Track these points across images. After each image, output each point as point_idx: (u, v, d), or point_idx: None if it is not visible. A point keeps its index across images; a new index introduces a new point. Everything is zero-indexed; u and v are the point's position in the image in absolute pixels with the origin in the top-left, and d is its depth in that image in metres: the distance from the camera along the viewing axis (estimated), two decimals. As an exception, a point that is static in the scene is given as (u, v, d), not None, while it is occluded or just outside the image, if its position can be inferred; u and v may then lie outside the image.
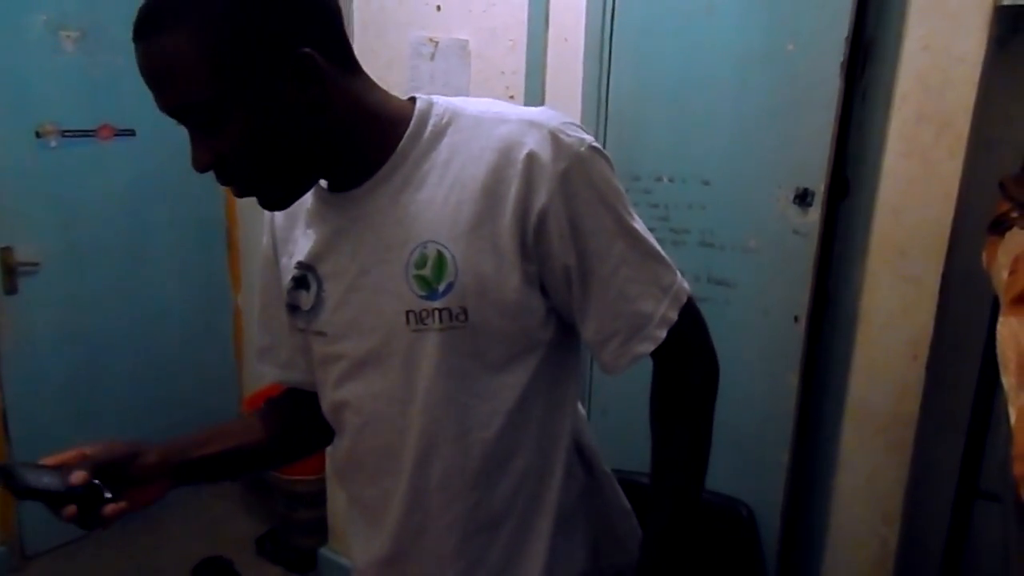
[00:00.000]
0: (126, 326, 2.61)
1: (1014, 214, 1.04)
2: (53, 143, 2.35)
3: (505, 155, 0.73)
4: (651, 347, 0.79)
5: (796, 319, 1.47)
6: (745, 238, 1.50)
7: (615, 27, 1.58)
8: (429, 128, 0.77)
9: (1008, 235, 1.03)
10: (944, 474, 1.50)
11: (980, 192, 1.34)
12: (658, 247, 0.81)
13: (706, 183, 1.52)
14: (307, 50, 0.69)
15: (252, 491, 2.91)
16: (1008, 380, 0.74)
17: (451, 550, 0.84)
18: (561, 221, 0.74)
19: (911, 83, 1.34)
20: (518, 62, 1.69)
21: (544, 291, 0.78)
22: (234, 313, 2.96)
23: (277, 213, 0.90)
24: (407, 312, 0.76)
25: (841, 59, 1.34)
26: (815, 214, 1.42)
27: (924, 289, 1.39)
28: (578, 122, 0.78)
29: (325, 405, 0.90)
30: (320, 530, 2.48)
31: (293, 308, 0.86)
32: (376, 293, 0.78)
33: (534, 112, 0.77)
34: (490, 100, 0.81)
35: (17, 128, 2.28)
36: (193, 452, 0.91)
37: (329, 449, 0.96)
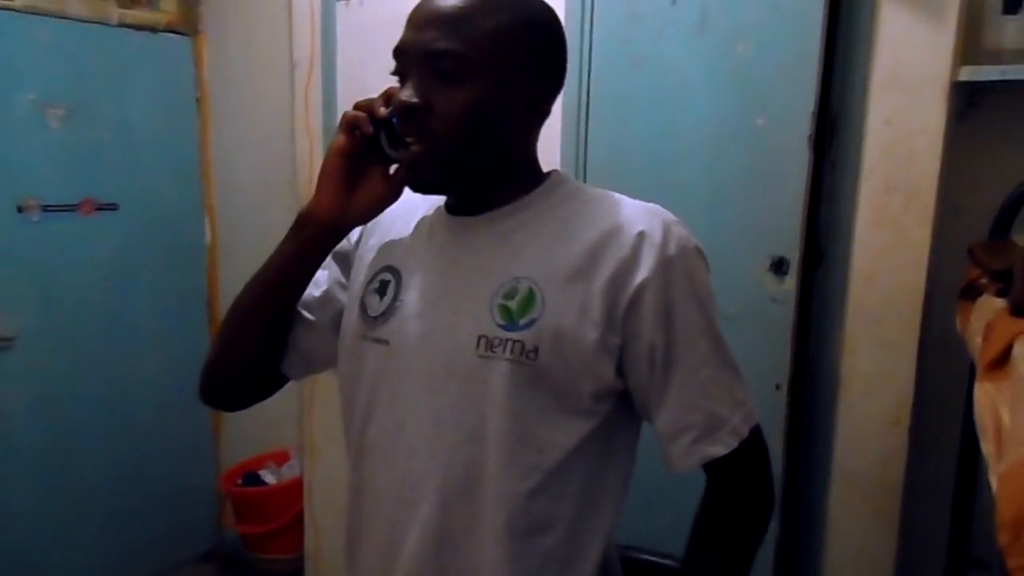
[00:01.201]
0: (102, 401, 2.56)
1: (984, 280, 1.06)
2: (35, 217, 2.35)
3: (618, 228, 0.78)
4: (723, 450, 0.79)
5: (778, 387, 1.47)
6: (724, 306, 1.50)
7: (591, 102, 1.63)
8: (559, 192, 0.84)
9: (979, 301, 1.04)
10: (935, 542, 1.48)
11: (950, 258, 1.37)
12: (737, 363, 0.83)
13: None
14: (550, 88, 0.82)
15: (226, 572, 2.80)
16: (987, 447, 0.74)
17: None
18: (658, 300, 0.76)
19: (877, 155, 1.39)
20: (498, 136, 1.72)
21: (622, 373, 0.80)
22: (213, 386, 2.91)
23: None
24: (479, 336, 0.77)
25: (808, 132, 1.39)
26: (791, 282, 1.44)
27: (902, 354, 1.40)
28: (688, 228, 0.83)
29: (359, 420, 0.86)
30: (298, 612, 2.39)
31: (362, 310, 0.86)
32: (454, 313, 0.80)
33: (652, 205, 0.82)
34: (611, 191, 0.86)
35: (-2, 203, 2.28)
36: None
37: (350, 471, 0.90)
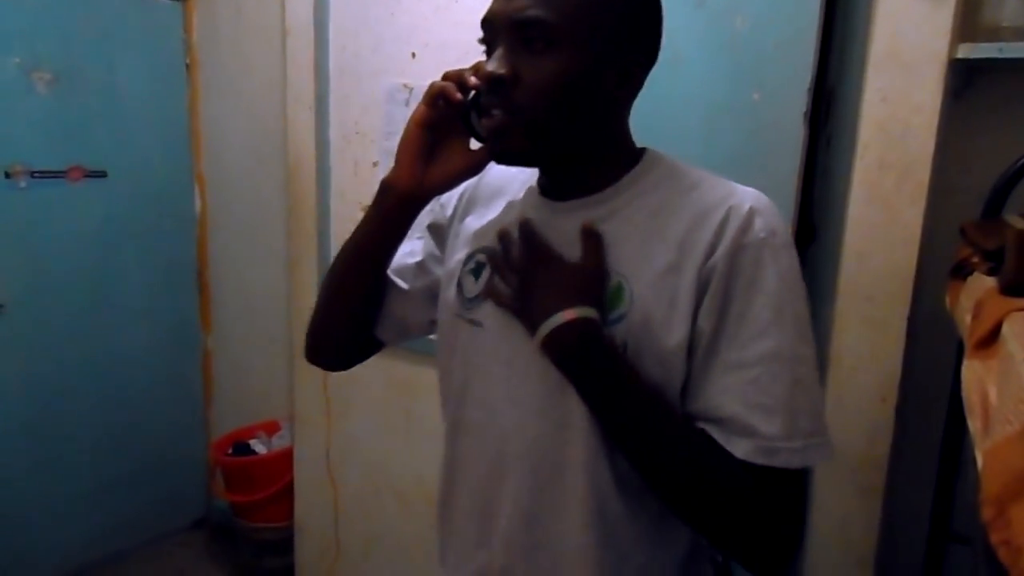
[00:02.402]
0: (91, 369, 2.56)
1: (975, 259, 1.06)
2: (22, 184, 2.32)
3: (706, 215, 0.75)
4: (739, 454, 0.70)
5: (767, 362, 1.48)
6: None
7: (586, 75, 1.61)
8: (650, 177, 0.81)
9: (970, 280, 1.04)
10: (918, 517, 1.50)
11: (942, 238, 1.38)
12: (818, 393, 0.74)
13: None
14: (643, 60, 0.79)
15: (217, 540, 2.83)
16: (974, 424, 0.75)
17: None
18: (718, 286, 0.72)
19: (872, 132, 1.38)
20: (491, 108, 1.71)
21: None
22: (203, 356, 2.91)
23: (464, 191, 0.94)
24: None
25: (804, 108, 1.38)
26: (783, 259, 1.44)
27: (891, 333, 1.41)
28: (785, 220, 0.77)
29: (455, 396, 0.88)
30: (288, 580, 2.42)
31: (458, 289, 0.87)
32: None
33: (748, 189, 0.78)
34: (710, 173, 0.82)
35: (-15, 169, 2.26)
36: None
37: (444, 449, 0.92)
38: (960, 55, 1.32)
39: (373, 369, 2.12)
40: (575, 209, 0.81)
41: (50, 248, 2.42)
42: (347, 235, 0.99)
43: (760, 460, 0.70)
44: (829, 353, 1.48)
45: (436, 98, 0.78)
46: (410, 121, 0.81)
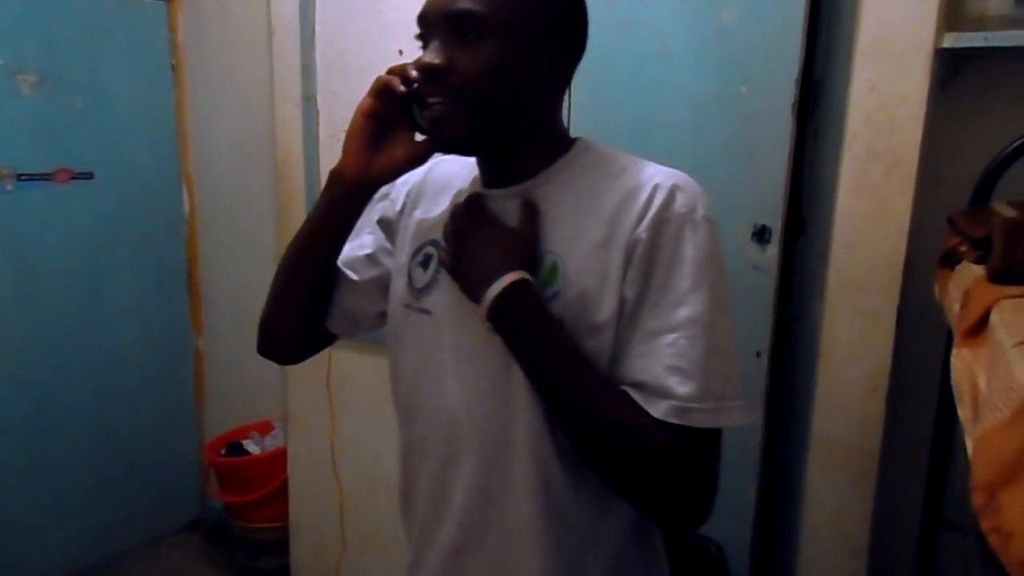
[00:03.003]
0: (82, 373, 2.54)
1: (963, 248, 1.07)
2: (8, 187, 2.31)
3: (632, 194, 0.79)
4: (656, 414, 0.73)
5: (759, 354, 1.48)
6: (706, 275, 1.52)
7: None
8: (581, 163, 0.86)
9: (958, 268, 1.05)
10: (909, 505, 1.51)
11: (931, 227, 1.38)
12: (733, 358, 0.78)
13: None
14: (569, 50, 0.84)
15: (212, 541, 2.82)
16: (964, 412, 0.75)
17: (522, 549, 0.83)
18: (641, 258, 0.77)
19: (860, 122, 1.39)
20: (480, 104, 1.70)
21: None
22: (195, 357, 2.90)
23: (411, 187, 0.98)
24: None
25: (792, 100, 1.38)
26: (773, 251, 1.44)
27: (881, 322, 1.42)
28: (708, 199, 0.81)
29: (404, 384, 0.92)
30: (283, 580, 2.41)
31: (408, 280, 0.91)
32: None
33: (674, 170, 0.82)
34: (639, 158, 0.86)
35: (-30, 172, 2.24)
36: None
37: (399, 435, 0.96)
38: (946, 44, 1.32)
39: (366, 367, 2.12)
40: (513, 195, 0.85)
41: (39, 251, 2.40)
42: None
43: (674, 419, 0.73)
44: (819, 344, 1.49)
45: (381, 91, 0.82)
46: (357, 112, 0.85)
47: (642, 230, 0.77)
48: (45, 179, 2.39)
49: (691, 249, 0.76)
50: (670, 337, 0.75)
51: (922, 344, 1.46)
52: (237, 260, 2.71)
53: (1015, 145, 1.20)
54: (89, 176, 2.49)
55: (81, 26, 2.42)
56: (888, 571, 1.60)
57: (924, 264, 1.35)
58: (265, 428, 2.67)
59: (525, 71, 0.80)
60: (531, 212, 0.82)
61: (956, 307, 0.93)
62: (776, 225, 1.43)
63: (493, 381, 0.82)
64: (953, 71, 1.45)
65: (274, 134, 2.21)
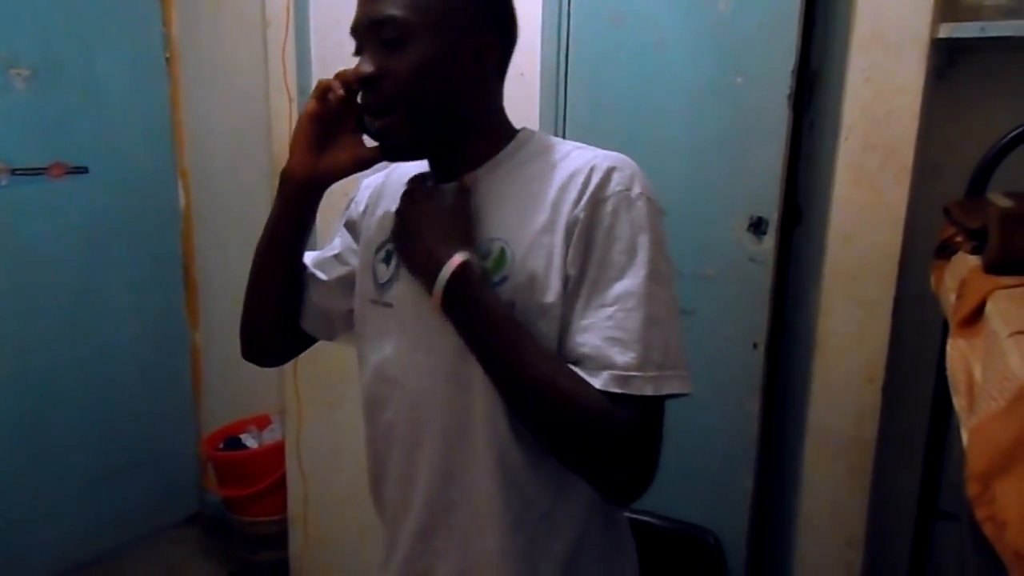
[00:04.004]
0: (79, 368, 2.54)
1: (959, 238, 1.07)
2: (3, 181, 2.29)
3: (573, 176, 0.83)
4: (598, 384, 0.75)
5: (755, 345, 1.49)
6: (702, 266, 1.52)
7: (569, 62, 1.60)
8: (525, 151, 0.89)
9: (954, 259, 1.05)
10: (905, 495, 1.51)
11: (927, 218, 1.38)
12: (673, 327, 0.79)
13: (662, 212, 1.54)
14: (494, 40, 0.85)
15: (210, 535, 2.82)
16: (959, 402, 0.75)
17: (484, 526, 0.86)
18: (581, 236, 0.80)
19: (856, 113, 1.39)
20: (476, 96, 1.70)
21: None
22: (192, 351, 2.90)
23: (372, 189, 1.02)
24: None
25: (788, 91, 1.38)
26: (769, 242, 1.44)
27: (877, 313, 1.42)
28: (647, 179, 0.84)
29: (369, 376, 0.95)
30: (281, 573, 2.42)
31: (372, 276, 0.94)
32: None
33: (615, 153, 0.85)
34: (583, 144, 0.90)
35: (-36, 167, 2.22)
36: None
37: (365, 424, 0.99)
38: (942, 35, 1.32)
39: (363, 360, 2.12)
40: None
41: (34, 246, 2.39)
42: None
43: (614, 388, 0.75)
44: (816, 334, 1.49)
45: (322, 93, 0.86)
46: (301, 115, 0.89)
47: (580, 210, 0.80)
48: (39, 174, 2.38)
49: (627, 226, 0.80)
50: (609, 310, 0.78)
51: (918, 334, 1.46)
52: (233, 253, 2.71)
53: (1011, 135, 1.20)
54: (84, 170, 2.47)
55: (75, 20, 2.40)
56: (884, 561, 1.61)
57: (920, 255, 1.35)
58: (263, 422, 2.67)
59: (455, 66, 0.83)
60: (462, 192, 0.85)
61: (952, 297, 0.93)
62: (772, 216, 1.43)
63: (451, 366, 0.85)
64: (949, 61, 1.44)
65: (269, 126, 2.20)
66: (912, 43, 1.32)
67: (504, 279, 0.82)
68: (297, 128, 0.89)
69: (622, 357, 0.76)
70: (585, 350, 0.78)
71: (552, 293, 0.81)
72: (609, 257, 0.79)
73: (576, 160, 0.84)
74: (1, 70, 2.26)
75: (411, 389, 0.89)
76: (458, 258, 0.80)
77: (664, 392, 0.77)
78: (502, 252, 0.83)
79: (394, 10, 0.81)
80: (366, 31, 0.83)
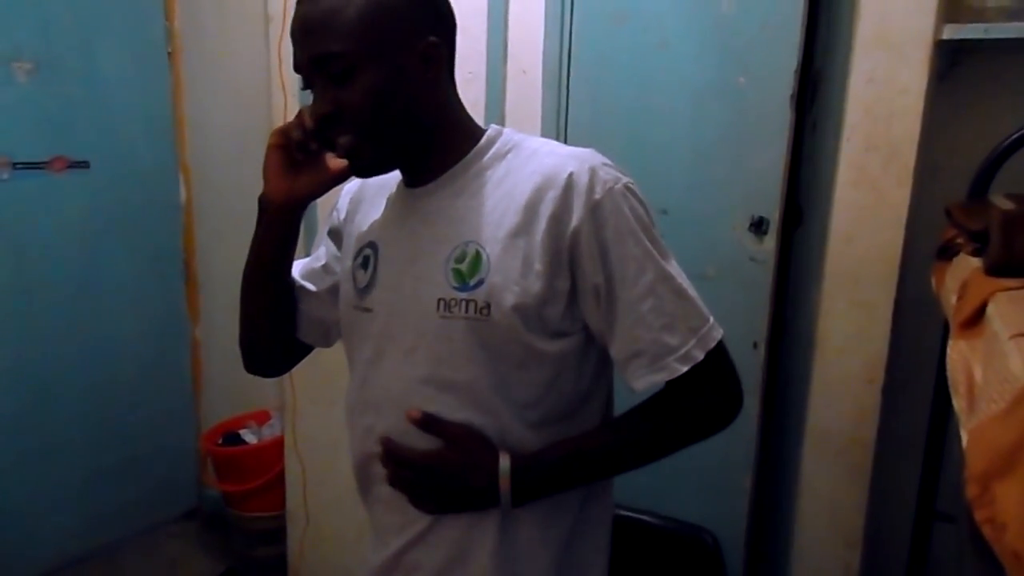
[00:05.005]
0: (79, 362, 2.53)
1: (960, 240, 1.07)
2: (4, 175, 2.29)
3: (549, 179, 0.84)
4: (666, 377, 0.83)
5: (755, 345, 1.49)
6: (703, 266, 1.52)
7: (572, 60, 1.60)
8: (493, 150, 0.90)
9: (955, 261, 1.05)
10: (903, 497, 1.52)
11: (928, 219, 1.38)
12: (692, 292, 0.86)
13: (664, 212, 1.54)
14: (435, 39, 0.84)
15: (209, 530, 2.82)
16: (959, 403, 0.75)
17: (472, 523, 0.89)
18: (591, 244, 0.82)
19: (859, 114, 1.39)
20: (478, 94, 1.70)
21: (575, 313, 0.86)
22: (192, 346, 2.89)
23: (352, 195, 1.04)
24: (439, 300, 0.85)
25: (791, 92, 1.38)
26: (770, 242, 1.44)
27: (878, 314, 1.42)
28: (618, 167, 0.86)
29: (357, 377, 0.96)
30: (280, 568, 2.42)
31: (353, 282, 0.95)
32: (418, 280, 0.88)
33: (581, 150, 0.87)
34: (549, 140, 0.93)
35: (-34, 160, 2.22)
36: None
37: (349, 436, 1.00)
38: (945, 36, 1.32)
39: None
40: (431, 191, 0.90)
41: (34, 240, 2.39)
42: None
43: (686, 367, 0.83)
44: (816, 335, 1.49)
45: (283, 135, 0.88)
46: (268, 147, 0.90)
47: (579, 220, 0.81)
48: (40, 168, 2.37)
49: (628, 219, 0.83)
50: (648, 303, 0.83)
51: (918, 336, 1.46)
52: (234, 248, 2.67)
53: (1013, 138, 1.20)
54: (85, 165, 2.47)
55: (77, 13, 2.39)
56: (882, 561, 1.61)
57: (921, 256, 1.35)
58: (262, 417, 2.67)
59: (406, 81, 0.84)
60: (434, 422, 0.86)
61: (953, 299, 0.93)
62: (774, 216, 1.43)
63: (432, 369, 0.87)
64: (952, 63, 1.44)
65: (271, 122, 2.20)
66: (915, 44, 1.32)
67: (481, 281, 0.84)
68: (266, 157, 0.91)
69: (674, 338, 0.83)
70: (642, 344, 0.83)
71: (530, 295, 0.82)
72: (627, 252, 0.82)
73: (547, 160, 0.86)
74: (3, 63, 2.26)
75: (393, 392, 0.90)
76: (503, 482, 0.84)
77: (711, 346, 0.85)
78: (477, 255, 0.84)
79: (333, 45, 0.80)
80: (310, 69, 0.84)
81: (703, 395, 0.87)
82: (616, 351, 0.86)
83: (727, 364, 0.88)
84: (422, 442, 0.88)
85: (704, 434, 0.90)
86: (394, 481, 0.90)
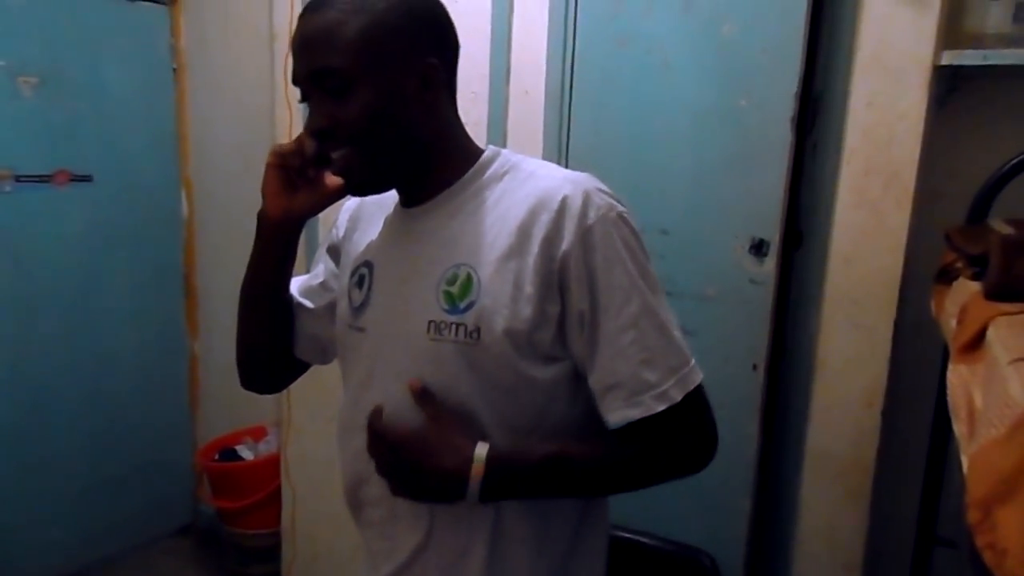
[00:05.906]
0: (77, 376, 2.53)
1: (960, 264, 1.07)
2: (7, 188, 2.30)
3: (543, 201, 0.83)
4: (641, 413, 0.81)
5: (755, 367, 1.48)
6: (703, 287, 1.53)
7: (575, 81, 1.61)
8: (489, 171, 0.89)
9: (955, 285, 1.05)
10: (903, 521, 1.51)
11: (928, 243, 1.39)
12: (676, 331, 0.84)
13: (664, 232, 1.55)
14: (435, 61, 0.85)
15: (203, 546, 2.80)
16: (960, 428, 0.75)
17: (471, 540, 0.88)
18: (580, 269, 0.81)
19: (858, 138, 1.39)
20: (480, 113, 1.71)
21: (565, 339, 0.84)
22: (190, 361, 2.89)
23: (351, 213, 1.03)
24: (430, 322, 0.84)
25: (791, 114, 1.39)
26: (770, 264, 1.45)
27: (877, 337, 1.42)
28: (609, 190, 0.85)
29: (350, 396, 0.95)
30: (275, 587, 2.40)
31: (348, 301, 0.95)
32: (409, 301, 0.87)
33: (579, 174, 0.86)
34: (546, 162, 0.92)
35: (-31, 173, 2.23)
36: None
37: (338, 452, 0.99)
38: (945, 62, 1.33)
39: (361, 374, 2.11)
40: (427, 211, 0.90)
41: (36, 252, 2.39)
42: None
43: (663, 406, 0.81)
44: (815, 357, 1.49)
45: (280, 156, 0.89)
46: (266, 165, 0.91)
47: (569, 245, 0.80)
48: (44, 181, 2.39)
49: (619, 245, 0.82)
50: (630, 335, 0.81)
51: (918, 359, 1.46)
52: (234, 264, 2.67)
53: (1013, 163, 1.21)
54: (88, 179, 2.48)
55: (83, 28, 2.42)
56: (882, 586, 1.60)
57: (921, 280, 1.35)
58: (259, 434, 2.66)
59: (404, 101, 0.84)
60: (427, 397, 0.84)
61: (952, 323, 0.93)
62: (774, 238, 1.44)
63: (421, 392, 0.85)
64: (951, 88, 1.45)
65: (274, 138, 2.21)
66: (914, 69, 1.33)
67: (471, 304, 0.83)
68: (265, 176, 0.91)
69: (653, 375, 0.81)
70: (620, 377, 0.81)
71: (520, 319, 0.81)
72: (614, 281, 0.81)
73: (543, 182, 0.85)
74: (8, 78, 2.27)
75: (387, 415, 0.88)
76: (475, 469, 0.80)
77: (690, 388, 0.83)
78: (468, 277, 0.84)
79: (332, 61, 0.80)
80: (308, 83, 0.84)
81: (677, 437, 0.85)
82: (594, 381, 0.84)
83: (705, 409, 0.86)
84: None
85: (674, 475, 0.88)
86: (374, 456, 0.87)
